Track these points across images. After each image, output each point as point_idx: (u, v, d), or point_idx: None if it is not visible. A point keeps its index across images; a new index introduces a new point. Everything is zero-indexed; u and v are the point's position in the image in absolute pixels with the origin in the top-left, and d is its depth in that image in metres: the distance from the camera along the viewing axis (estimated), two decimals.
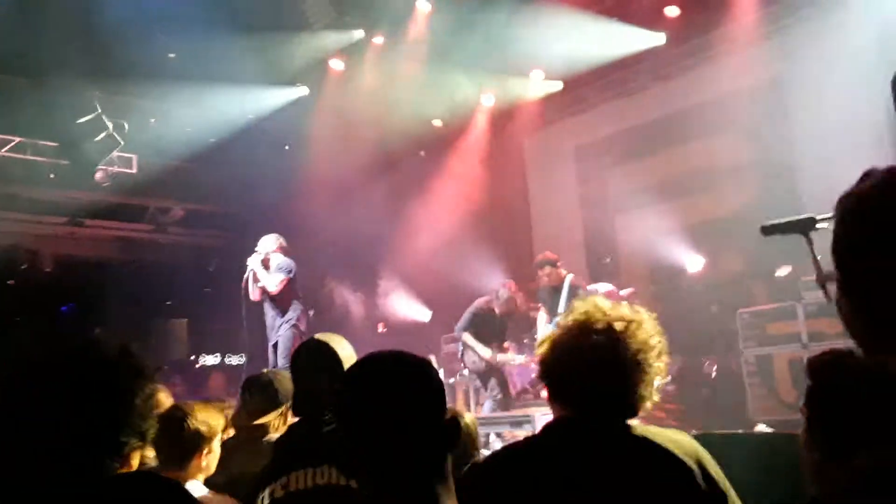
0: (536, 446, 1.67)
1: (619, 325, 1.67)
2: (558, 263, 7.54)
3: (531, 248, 11.15)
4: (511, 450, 1.75)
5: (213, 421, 2.55)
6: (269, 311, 6.91)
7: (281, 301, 6.81)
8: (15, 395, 1.32)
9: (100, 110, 9.01)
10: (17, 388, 1.33)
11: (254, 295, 6.83)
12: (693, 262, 8.96)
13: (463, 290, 10.71)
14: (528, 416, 5.49)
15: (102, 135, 9.10)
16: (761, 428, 5.90)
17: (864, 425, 1.32)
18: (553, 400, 1.73)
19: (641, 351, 1.67)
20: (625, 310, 1.75)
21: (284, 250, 6.97)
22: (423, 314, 11.53)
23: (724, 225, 8.54)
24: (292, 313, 6.80)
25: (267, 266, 6.83)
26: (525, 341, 8.97)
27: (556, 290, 7.36)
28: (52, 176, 9.73)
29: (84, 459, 1.28)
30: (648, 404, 1.69)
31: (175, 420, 2.46)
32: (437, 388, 1.30)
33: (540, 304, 7.80)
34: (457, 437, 1.27)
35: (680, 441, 1.64)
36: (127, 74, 8.91)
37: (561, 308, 7.02)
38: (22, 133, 9.51)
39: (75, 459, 1.27)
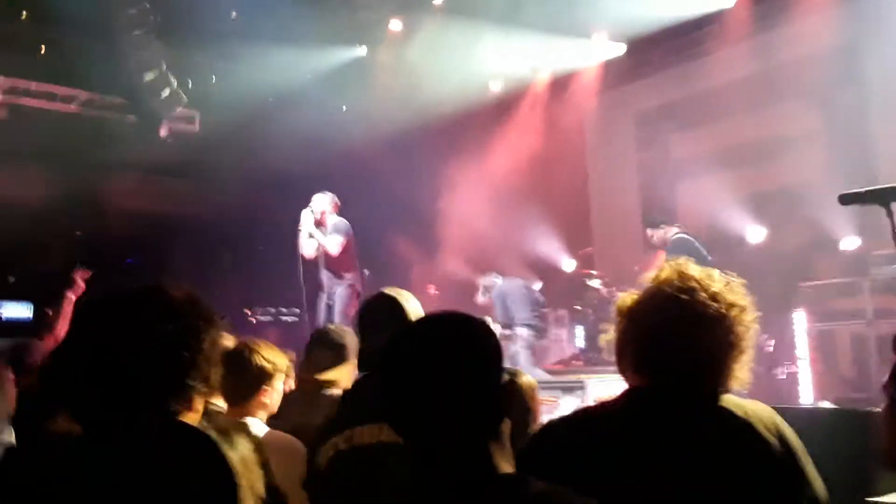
0: (617, 412, 1.62)
1: (724, 305, 1.60)
2: (662, 224, 6.61)
3: (588, 215, 11.04)
4: (588, 414, 1.72)
5: (278, 359, 2.61)
6: (325, 271, 6.94)
7: (338, 261, 6.80)
8: (83, 335, 1.35)
9: (165, 67, 9.14)
10: (86, 328, 1.35)
11: (308, 253, 6.85)
12: (755, 232, 8.74)
13: (517, 255, 10.70)
14: (580, 381, 5.44)
15: (167, 91, 9.25)
16: (823, 405, 5.79)
17: None
18: (635, 369, 1.65)
19: (745, 334, 1.62)
20: (722, 281, 1.67)
21: (338, 208, 6.97)
22: (474, 277, 11.53)
23: (789, 195, 8.29)
24: (349, 274, 6.80)
25: (321, 225, 6.83)
26: (577, 308, 8.92)
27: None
28: (118, 131, 9.96)
29: (150, 402, 1.30)
30: (738, 386, 1.63)
31: (240, 355, 2.51)
32: (491, 348, 1.28)
33: None
34: (511, 399, 1.27)
35: (760, 412, 1.60)
36: (190, 33, 9.01)
37: None
38: (89, 88, 9.74)
39: (141, 401, 1.29)
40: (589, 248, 10.43)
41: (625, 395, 1.65)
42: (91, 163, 10.21)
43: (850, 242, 7.67)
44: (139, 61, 8.97)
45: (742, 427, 1.55)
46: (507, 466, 1.24)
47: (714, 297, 1.60)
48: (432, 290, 11.61)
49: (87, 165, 10.21)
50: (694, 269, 1.67)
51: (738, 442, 1.53)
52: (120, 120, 9.90)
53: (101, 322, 1.34)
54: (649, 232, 6.62)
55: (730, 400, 1.62)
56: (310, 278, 7.12)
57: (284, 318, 12.37)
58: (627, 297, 1.73)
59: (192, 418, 1.40)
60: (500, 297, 8.05)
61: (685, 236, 6.43)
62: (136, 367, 1.30)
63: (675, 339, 1.59)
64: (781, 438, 1.57)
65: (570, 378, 5.74)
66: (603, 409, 1.69)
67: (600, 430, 1.58)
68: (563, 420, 1.68)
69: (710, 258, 5.90)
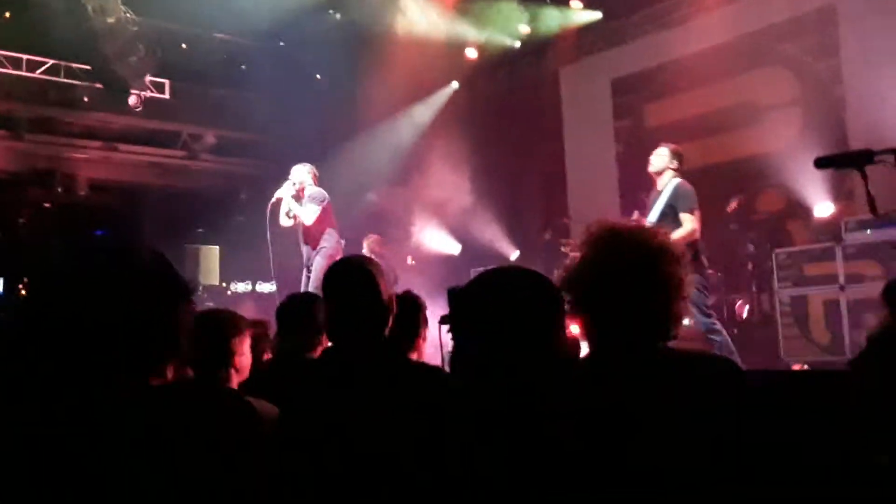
0: (581, 378, 1.61)
1: (649, 246, 1.61)
2: (677, 160, 6.02)
3: (564, 182, 11.04)
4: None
5: (240, 324, 2.59)
6: (303, 240, 6.86)
7: (315, 231, 6.74)
8: (50, 301, 1.30)
9: (133, 34, 8.93)
10: (53, 294, 1.30)
11: (284, 222, 6.77)
12: (730, 200, 8.78)
13: (493, 223, 10.70)
14: None
15: (135, 59, 9.05)
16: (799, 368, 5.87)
17: None
18: (586, 329, 1.65)
19: (675, 277, 1.61)
20: (645, 228, 1.71)
21: (317, 179, 6.89)
22: (452, 247, 11.54)
23: (764, 162, 8.33)
24: (326, 243, 6.71)
25: (301, 196, 6.75)
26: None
27: (656, 193, 6.07)
28: (85, 99, 9.75)
29: (120, 369, 1.26)
30: (679, 322, 1.63)
31: (204, 323, 2.49)
32: (554, 304, 1.36)
33: None
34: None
35: (717, 364, 1.64)
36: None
37: (653, 215, 5.81)
38: (56, 55, 9.50)
39: (112, 368, 1.26)
40: (566, 217, 10.43)
41: (585, 361, 1.66)
42: (58, 132, 10.01)
43: (823, 209, 7.74)
44: (106, 28, 8.75)
45: (701, 378, 1.56)
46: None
47: (639, 245, 1.62)
48: (410, 260, 11.59)
49: (53, 135, 10.01)
50: (617, 222, 1.71)
51: (696, 393, 1.54)
52: (87, 88, 9.67)
53: (70, 286, 1.29)
54: (662, 150, 6.08)
55: (685, 353, 1.64)
56: (285, 248, 7.07)
57: (261, 288, 12.30)
58: (568, 261, 1.75)
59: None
60: None
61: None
62: (107, 333, 1.25)
63: (604, 286, 1.60)
64: (737, 389, 1.58)
65: None
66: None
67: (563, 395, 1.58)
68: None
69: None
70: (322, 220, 6.69)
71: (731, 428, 1.51)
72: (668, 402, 1.51)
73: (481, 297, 1.35)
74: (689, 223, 5.63)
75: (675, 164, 5.99)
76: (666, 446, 1.47)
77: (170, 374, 1.38)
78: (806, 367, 5.97)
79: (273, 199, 6.67)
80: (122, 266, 1.32)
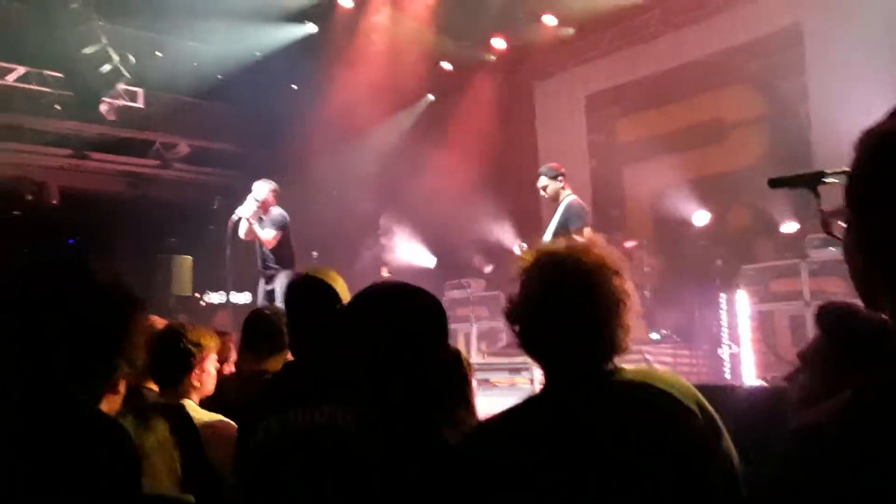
0: (532, 409, 1.57)
1: (586, 266, 1.54)
2: (560, 177, 6.33)
3: (538, 195, 11.09)
4: (508, 414, 1.60)
5: (205, 340, 2.59)
6: (261, 258, 6.98)
7: (278, 252, 6.87)
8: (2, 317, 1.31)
9: (105, 41, 8.87)
10: (6, 303, 1.31)
11: (243, 235, 6.86)
12: (700, 216, 8.92)
13: (468, 237, 10.73)
14: (526, 362, 5.48)
15: (108, 67, 8.98)
16: (759, 384, 5.95)
17: (860, 366, 1.32)
18: (537, 360, 1.61)
19: (615, 295, 1.55)
20: (574, 245, 1.62)
21: (277, 196, 6.97)
22: (427, 260, 11.56)
23: (732, 179, 8.47)
24: (287, 262, 6.89)
25: (265, 211, 6.84)
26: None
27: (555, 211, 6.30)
28: (57, 107, 9.65)
29: (72, 384, 1.27)
30: (628, 337, 1.57)
31: (168, 338, 2.50)
32: (436, 319, 1.26)
33: None
34: (459, 369, 1.25)
35: (676, 383, 1.59)
36: (133, 6, 8.76)
37: (546, 236, 5.96)
38: (27, 62, 9.40)
39: (63, 383, 1.26)
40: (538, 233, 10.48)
41: (541, 391, 1.61)
42: (28, 140, 9.89)
43: (788, 226, 7.88)
44: (78, 35, 8.68)
45: (661, 398, 1.53)
46: (452, 436, 1.22)
47: (577, 263, 1.55)
48: (385, 272, 11.59)
49: (24, 142, 9.89)
50: (546, 246, 1.65)
51: (662, 415, 1.51)
52: (58, 96, 9.58)
53: (23, 297, 1.30)
54: (545, 182, 6.27)
55: (641, 371, 1.61)
56: (248, 260, 7.14)
57: (235, 299, 12.20)
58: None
59: (114, 400, 1.38)
60: None
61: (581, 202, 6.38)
62: (58, 344, 1.26)
63: (549, 317, 1.54)
64: (700, 406, 1.56)
65: (517, 360, 5.78)
66: (525, 404, 1.61)
67: (525, 428, 1.52)
68: (494, 419, 1.59)
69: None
70: (282, 242, 6.87)
71: (686, 461, 1.49)
72: (622, 434, 1.48)
73: (359, 318, 1.27)
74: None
75: (562, 182, 6.22)
76: (624, 480, 1.44)
77: (122, 387, 1.40)
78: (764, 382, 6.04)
79: (234, 217, 6.75)
80: (72, 280, 1.33)
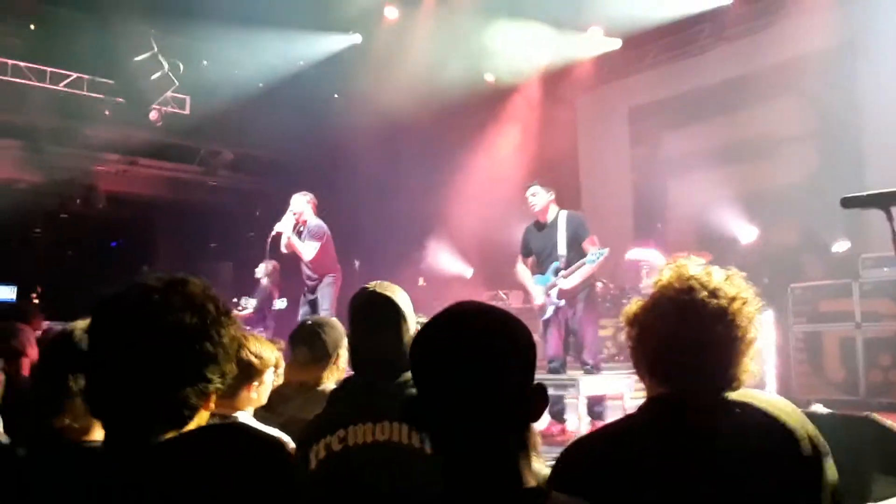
0: (642, 425, 1.60)
1: (725, 300, 1.58)
2: (552, 192, 6.07)
3: (579, 209, 11.01)
4: (616, 429, 1.67)
5: (266, 353, 2.57)
6: (307, 269, 7.02)
7: (319, 264, 6.90)
8: (104, 329, 1.32)
9: (156, 49, 9.04)
10: (107, 321, 1.32)
11: (284, 249, 6.92)
12: (746, 232, 8.75)
13: (506, 249, 10.67)
14: (573, 379, 5.39)
15: (158, 74, 9.15)
16: (817, 408, 5.79)
17: None
18: (651, 376, 1.65)
19: (749, 325, 1.59)
20: (722, 276, 1.65)
21: (316, 208, 6.99)
22: (465, 271, 11.53)
23: (781, 195, 8.30)
24: (330, 276, 6.91)
25: (302, 224, 6.88)
26: None
27: (543, 226, 6.06)
28: (107, 113, 9.84)
29: (172, 398, 1.28)
30: (751, 378, 1.62)
31: None
32: (526, 349, 1.19)
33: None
34: (544, 406, 1.18)
35: (783, 406, 1.59)
36: (183, 15, 8.90)
37: (561, 250, 5.85)
38: (79, 69, 9.61)
39: (163, 397, 1.27)
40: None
41: (647, 406, 1.64)
42: (78, 144, 10.09)
43: (840, 245, 7.69)
44: (130, 43, 8.86)
45: (767, 420, 1.54)
46: (531, 478, 1.17)
47: (714, 292, 1.60)
48: (421, 281, 11.59)
49: (74, 147, 10.10)
50: (693, 268, 1.66)
51: (767, 439, 1.53)
52: (109, 101, 9.77)
53: (123, 316, 1.31)
54: (538, 191, 6.02)
55: (748, 394, 1.61)
56: (293, 266, 7.19)
57: (272, 306, 12.30)
58: (633, 304, 1.72)
59: (205, 416, 1.37)
60: None
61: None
62: (158, 361, 1.27)
63: (682, 341, 1.58)
64: (810, 436, 1.56)
65: (563, 376, 5.70)
66: (629, 422, 1.67)
67: (629, 446, 1.56)
68: (592, 436, 1.66)
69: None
70: (323, 253, 6.87)
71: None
72: (731, 456, 1.49)
73: (444, 342, 1.19)
74: (594, 251, 5.79)
75: (553, 197, 6.08)
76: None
77: (212, 404, 1.39)
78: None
79: (273, 233, 6.81)
80: (170, 291, 1.33)
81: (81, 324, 1.66)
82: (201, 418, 1.34)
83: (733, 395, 1.59)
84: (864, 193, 2.57)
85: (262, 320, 8.43)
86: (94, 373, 1.29)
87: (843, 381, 6.45)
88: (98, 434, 1.55)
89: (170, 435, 1.27)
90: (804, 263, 7.85)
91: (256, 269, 8.70)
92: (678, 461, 1.50)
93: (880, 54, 7.82)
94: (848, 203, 2.55)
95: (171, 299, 1.30)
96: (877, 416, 2.61)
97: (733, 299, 1.59)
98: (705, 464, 1.49)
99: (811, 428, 1.58)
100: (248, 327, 8.23)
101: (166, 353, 1.26)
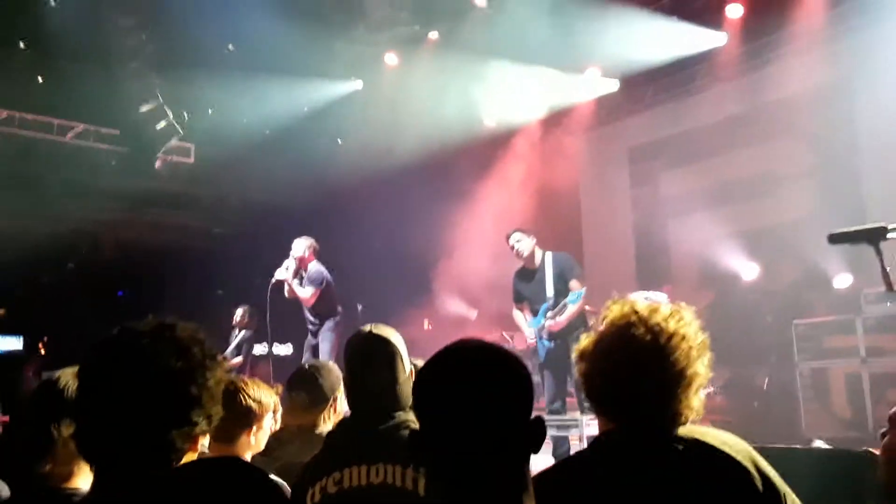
0: (587, 463, 1.63)
1: (662, 337, 1.60)
2: (532, 236, 6.18)
3: (581, 251, 11.06)
4: (561, 467, 1.70)
5: (265, 398, 2.58)
6: (309, 314, 7.07)
7: (319, 308, 6.93)
8: (92, 373, 1.36)
9: (161, 99, 9.20)
10: (95, 366, 1.36)
11: (287, 295, 7.00)
12: (748, 269, 8.76)
13: (509, 291, 10.68)
14: (574, 419, 5.38)
15: (163, 123, 9.29)
16: (818, 444, 5.74)
17: None
18: (596, 411, 1.68)
19: (688, 362, 1.61)
20: (665, 313, 1.66)
21: (316, 253, 7.07)
22: (469, 313, 11.52)
23: (781, 232, 8.33)
24: (331, 321, 6.96)
25: (303, 269, 6.95)
26: None
27: (531, 272, 6.18)
28: (113, 163, 9.98)
29: (158, 441, 1.30)
30: (694, 414, 1.63)
31: (228, 394, 2.47)
32: (525, 383, 1.23)
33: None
34: (542, 438, 1.22)
35: (731, 441, 1.60)
36: (187, 65, 9.07)
37: (549, 292, 5.97)
38: (86, 120, 9.77)
39: (150, 441, 1.30)
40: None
41: (595, 443, 1.67)
42: (84, 194, 10.20)
43: (842, 280, 7.69)
44: (135, 93, 9.02)
45: (715, 457, 1.55)
46: None
47: (652, 329, 1.62)
48: (426, 324, 11.58)
49: (80, 196, 10.21)
50: (638, 304, 1.69)
51: (712, 473, 1.53)
52: (114, 151, 9.91)
53: (111, 361, 1.35)
54: (521, 238, 6.13)
55: (696, 430, 1.62)
56: (297, 311, 7.22)
57: (277, 351, 12.29)
58: (584, 339, 1.74)
59: (191, 458, 1.40)
60: None
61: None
62: (145, 405, 1.31)
63: (620, 378, 1.61)
64: (755, 465, 1.57)
65: (565, 417, 5.69)
66: (579, 458, 1.70)
67: (578, 482, 1.57)
68: (547, 472, 1.66)
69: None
70: (323, 298, 6.95)
71: None
72: (677, 492, 1.50)
73: (445, 378, 1.22)
74: (580, 290, 5.91)
75: (535, 241, 6.20)
76: None
77: (197, 447, 1.42)
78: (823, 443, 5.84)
79: (273, 281, 6.88)
80: (156, 336, 1.37)
81: (69, 370, 1.69)
82: (188, 461, 1.36)
83: (682, 432, 1.59)
84: (852, 229, 2.59)
85: (243, 367, 8.47)
86: (83, 416, 1.33)
87: (851, 417, 6.40)
88: (80, 480, 1.58)
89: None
90: (807, 300, 7.84)
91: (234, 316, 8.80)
92: (621, 500, 1.51)
93: (876, 91, 7.91)
94: (835, 239, 2.58)
95: (158, 344, 1.34)
96: (875, 451, 2.60)
97: (671, 336, 1.61)
98: (649, 502, 1.49)
99: (763, 464, 1.59)
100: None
101: (152, 396, 1.30)
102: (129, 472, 1.28)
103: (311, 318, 7.03)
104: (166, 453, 1.31)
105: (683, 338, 1.62)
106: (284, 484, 1.98)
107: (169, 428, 1.31)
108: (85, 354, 1.37)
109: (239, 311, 8.84)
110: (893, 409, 1.56)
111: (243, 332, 8.75)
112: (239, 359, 8.52)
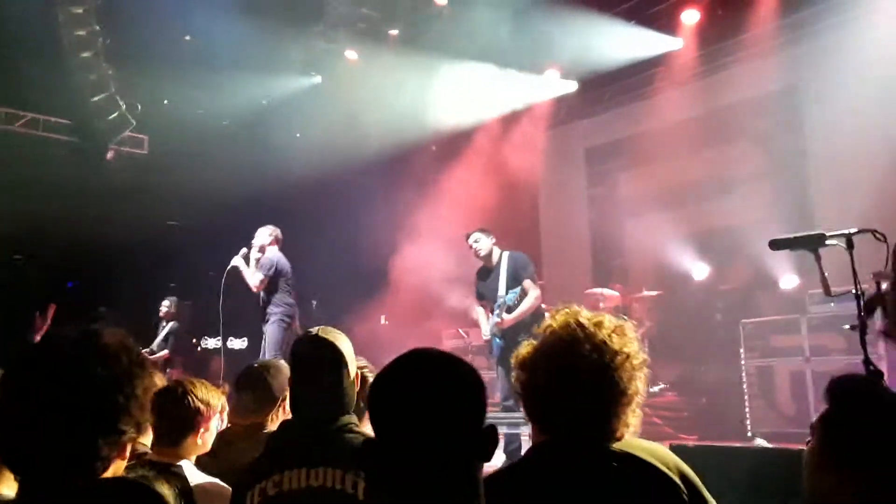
0: (522, 473, 1.63)
1: (607, 355, 1.60)
2: (491, 235, 6.33)
3: (539, 248, 11.15)
4: (502, 475, 1.69)
5: (213, 400, 2.54)
6: (262, 303, 7.02)
7: (267, 296, 6.90)
8: (16, 383, 1.34)
9: (113, 90, 9.02)
10: (19, 375, 1.34)
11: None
12: (699, 269, 8.94)
13: (465, 288, 10.72)
14: (525, 418, 5.40)
15: (115, 114, 9.11)
16: (760, 442, 5.89)
17: (876, 449, 1.33)
18: (531, 421, 1.67)
19: (630, 381, 1.61)
20: (609, 327, 1.65)
21: (278, 241, 7.01)
22: (426, 309, 11.51)
23: (732, 234, 8.50)
24: (277, 308, 6.87)
25: (262, 255, 6.91)
26: None
27: (489, 271, 6.29)
28: (63, 153, 9.76)
29: (83, 450, 1.29)
30: (631, 429, 1.63)
31: (175, 396, 2.44)
32: (478, 393, 1.24)
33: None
34: (494, 446, 1.24)
35: (659, 453, 1.62)
36: (142, 56, 8.91)
37: (501, 290, 6.04)
38: (35, 109, 9.53)
39: (75, 449, 1.29)
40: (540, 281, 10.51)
41: (529, 455, 1.66)
42: (33, 184, 9.96)
43: (788, 281, 7.89)
44: (87, 83, 8.83)
45: (645, 471, 1.57)
46: None
47: (597, 346, 1.61)
48: (383, 319, 11.55)
49: (28, 187, 9.96)
50: (583, 317, 1.67)
51: (642, 487, 1.55)
52: (65, 142, 9.69)
53: (35, 369, 1.33)
54: (480, 237, 6.28)
55: (628, 444, 1.63)
56: (254, 307, 7.16)
57: (231, 345, 12.14)
58: (524, 347, 1.73)
59: (120, 465, 1.38)
60: None
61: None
62: (69, 413, 1.29)
63: (560, 393, 1.60)
64: (683, 476, 1.60)
65: (517, 414, 5.72)
66: (513, 469, 1.68)
67: (516, 491, 1.58)
68: (494, 475, 1.65)
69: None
70: (270, 288, 6.89)
71: None
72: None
73: (399, 387, 1.24)
74: (533, 290, 6.06)
75: (494, 240, 6.34)
76: None
77: (126, 454, 1.41)
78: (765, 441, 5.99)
79: (228, 266, 6.86)
80: (81, 345, 1.35)
81: None
82: (117, 468, 1.35)
83: (615, 446, 1.60)
84: (791, 236, 2.69)
85: (170, 359, 8.41)
86: (6, 424, 1.31)
87: (795, 414, 6.57)
88: (5, 487, 1.56)
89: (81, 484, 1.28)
90: (755, 300, 8.03)
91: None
92: None
93: (825, 97, 8.12)
94: (776, 245, 2.67)
95: (83, 352, 1.32)
96: None
97: (616, 354, 1.61)
98: None
99: (690, 475, 1.61)
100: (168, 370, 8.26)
101: (76, 405, 1.28)
102: (53, 481, 1.27)
103: (263, 307, 6.97)
104: (92, 462, 1.30)
105: (628, 357, 1.62)
106: (224, 486, 1.97)
107: (95, 436, 1.29)
108: (8, 362, 1.35)
109: (166, 303, 8.74)
110: (815, 419, 1.60)
111: (171, 323, 8.65)
112: (165, 351, 8.42)
